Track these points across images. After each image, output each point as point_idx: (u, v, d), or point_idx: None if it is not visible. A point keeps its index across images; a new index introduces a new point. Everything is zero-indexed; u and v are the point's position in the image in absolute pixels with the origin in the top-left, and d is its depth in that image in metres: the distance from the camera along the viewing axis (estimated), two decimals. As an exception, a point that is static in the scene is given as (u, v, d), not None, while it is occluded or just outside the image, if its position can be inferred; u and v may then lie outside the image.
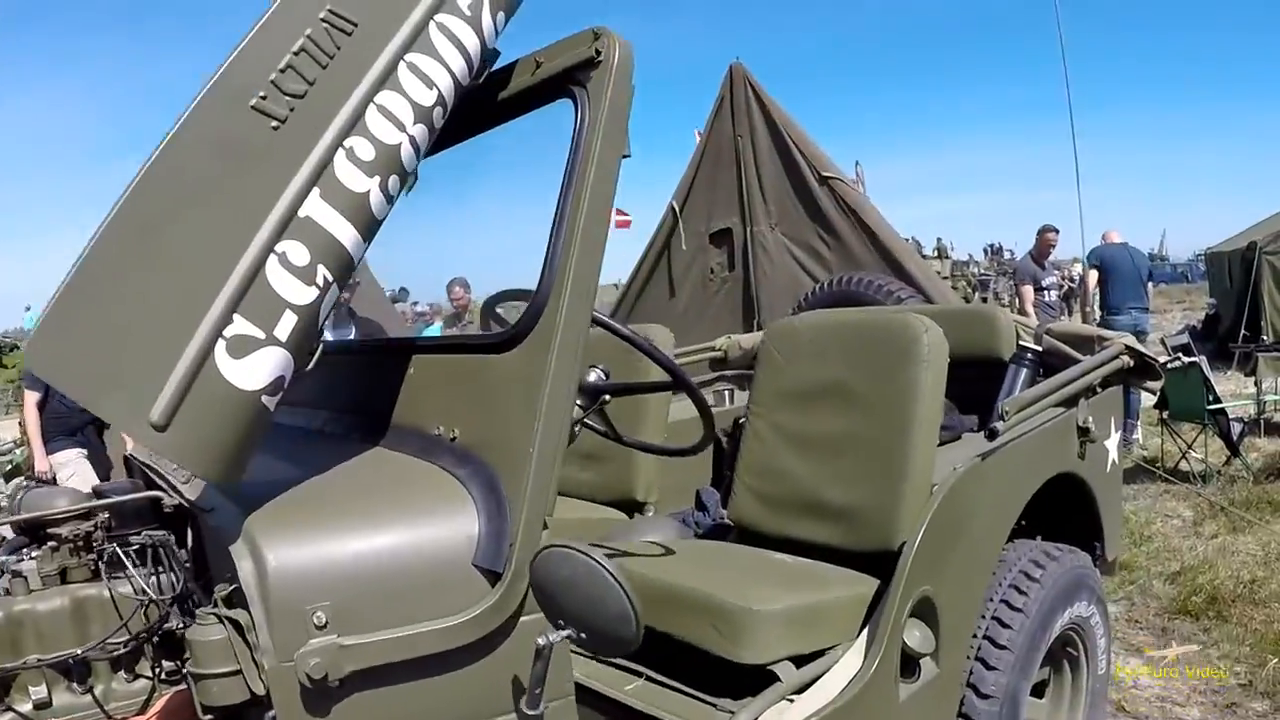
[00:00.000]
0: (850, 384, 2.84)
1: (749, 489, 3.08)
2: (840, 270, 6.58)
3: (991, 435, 2.60)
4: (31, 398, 6.36)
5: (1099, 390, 3.43)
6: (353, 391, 2.52)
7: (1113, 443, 3.51)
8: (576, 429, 2.30)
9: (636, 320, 7.63)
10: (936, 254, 24.45)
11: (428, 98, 1.85)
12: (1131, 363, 3.58)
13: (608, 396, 2.40)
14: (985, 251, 31.86)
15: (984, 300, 24.65)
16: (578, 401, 2.21)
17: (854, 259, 6.49)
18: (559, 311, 1.84)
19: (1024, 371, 3.83)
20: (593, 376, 2.43)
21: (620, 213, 15.53)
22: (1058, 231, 9.74)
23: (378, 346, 3.00)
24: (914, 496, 2.59)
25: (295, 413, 2.54)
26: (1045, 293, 9.56)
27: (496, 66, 2.12)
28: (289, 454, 2.19)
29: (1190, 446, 8.00)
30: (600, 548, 2.46)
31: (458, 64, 1.91)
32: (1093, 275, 9.68)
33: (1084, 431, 3.19)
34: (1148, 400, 8.74)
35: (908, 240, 26.61)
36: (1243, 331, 14.29)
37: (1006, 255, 29.50)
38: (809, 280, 6.65)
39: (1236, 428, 7.82)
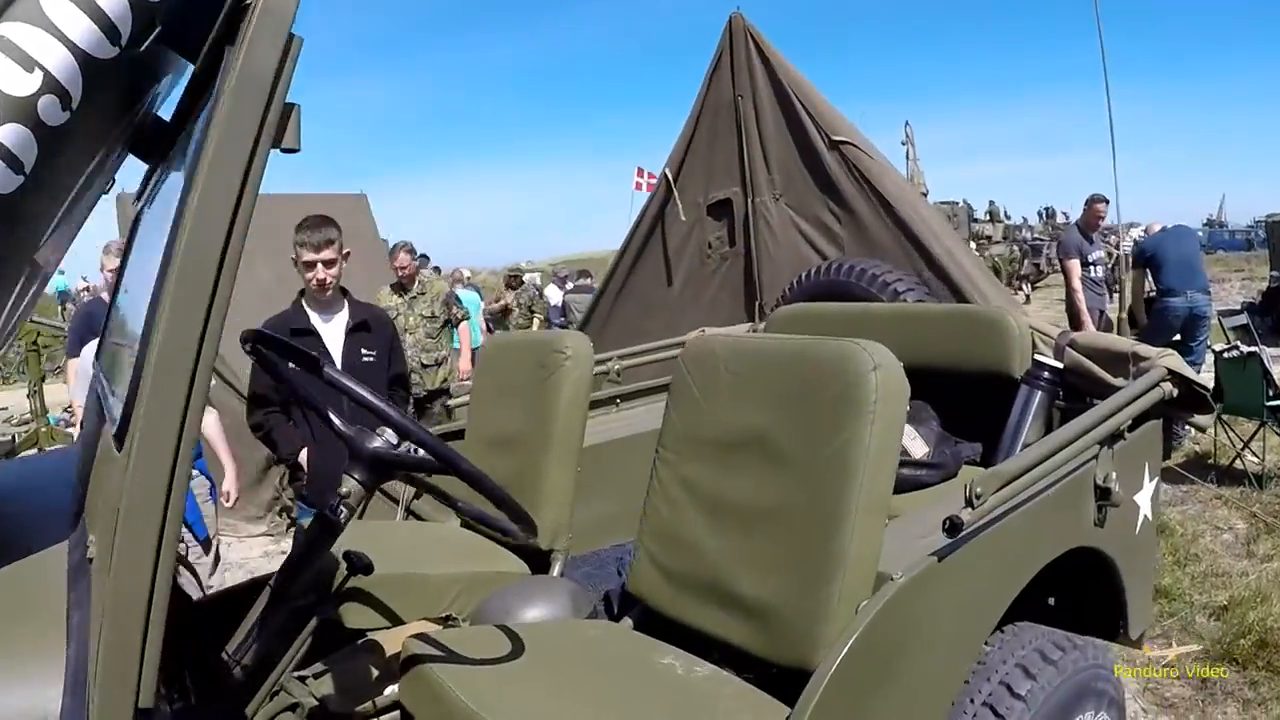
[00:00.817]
0: (774, 437, 2.16)
1: (650, 558, 2.45)
2: (853, 248, 5.84)
3: (953, 530, 1.88)
4: (74, 364, 5.77)
5: (1127, 434, 2.70)
6: None
7: (1146, 496, 2.77)
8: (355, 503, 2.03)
9: (626, 303, 6.96)
10: (989, 217, 23.59)
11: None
12: (1176, 392, 2.83)
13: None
14: (1040, 215, 30.82)
15: (1036, 267, 23.71)
16: (355, 475, 2.01)
17: (868, 235, 5.71)
18: (143, 395, 1.24)
19: (1038, 395, 3.12)
20: (378, 443, 2.04)
21: (645, 174, 14.73)
22: (1107, 202, 8.89)
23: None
24: (845, 600, 1.92)
25: None
26: (1092, 268, 8.72)
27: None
28: None
29: (1246, 444, 7.16)
30: (424, 644, 2.08)
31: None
32: (1132, 276, 8.85)
33: (1103, 493, 2.47)
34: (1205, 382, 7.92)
35: (957, 204, 25.91)
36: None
37: (1060, 219, 28.54)
38: (817, 258, 5.91)
39: (1301, 425, 6.98)
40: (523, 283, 13.90)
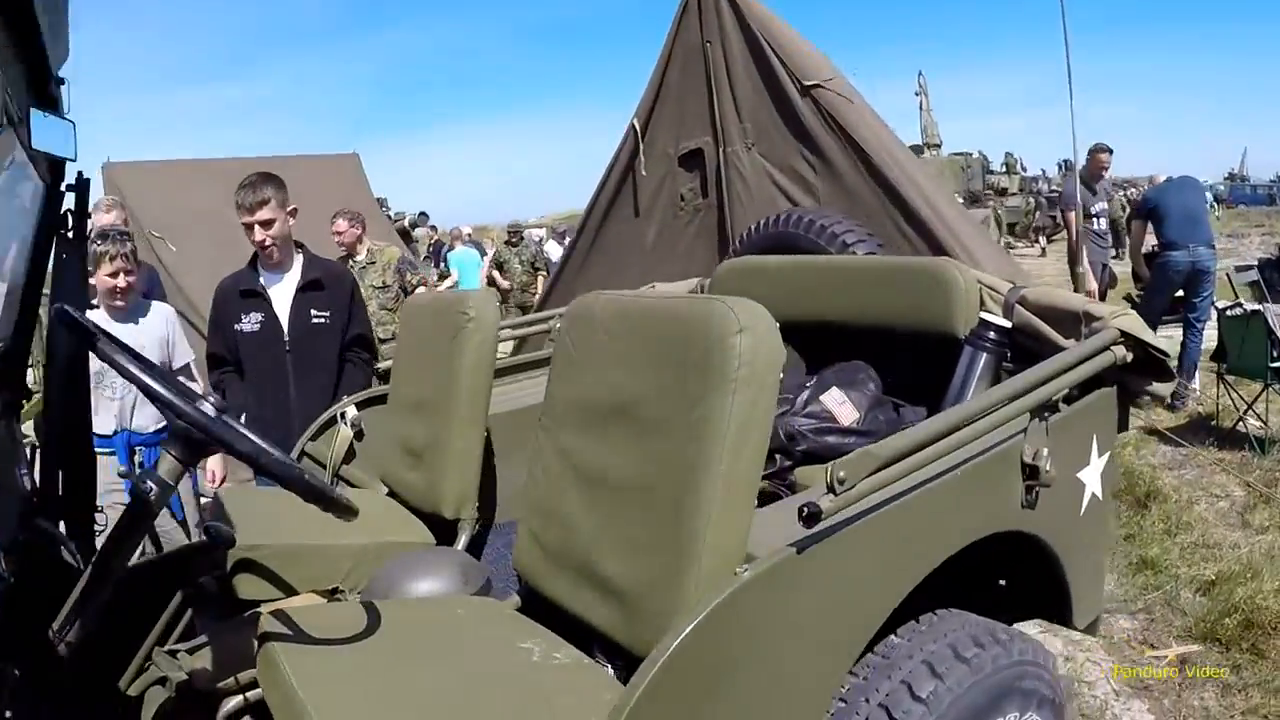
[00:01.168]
0: (641, 406, 1.92)
1: (530, 533, 2.24)
2: (829, 198, 5.52)
3: (810, 520, 1.60)
4: None
5: (1066, 405, 2.37)
6: None
7: (1095, 472, 2.46)
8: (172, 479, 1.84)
9: (599, 257, 6.67)
10: (1005, 169, 23.15)
11: None
12: (1129, 356, 2.52)
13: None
14: (1059, 167, 30.12)
15: (1052, 219, 23.21)
16: (171, 451, 1.82)
17: (843, 185, 5.37)
18: None
19: (983, 357, 2.82)
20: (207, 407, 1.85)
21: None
22: (1111, 152, 8.54)
23: None
24: (703, 587, 1.68)
25: None
26: (1095, 220, 8.39)
27: None
28: None
29: (1250, 407, 6.81)
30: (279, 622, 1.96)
31: None
32: (1133, 228, 8.47)
33: (1031, 471, 2.16)
34: (1209, 340, 7.58)
35: (971, 155, 25.38)
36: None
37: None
38: (790, 208, 5.60)
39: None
40: (523, 238, 13.57)
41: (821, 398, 2.82)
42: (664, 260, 6.28)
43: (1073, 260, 8.30)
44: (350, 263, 6.70)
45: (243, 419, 4.19)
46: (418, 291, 6.71)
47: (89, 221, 2.77)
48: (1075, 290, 8.34)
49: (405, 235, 15.18)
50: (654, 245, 6.38)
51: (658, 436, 1.86)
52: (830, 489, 1.61)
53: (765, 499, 2.55)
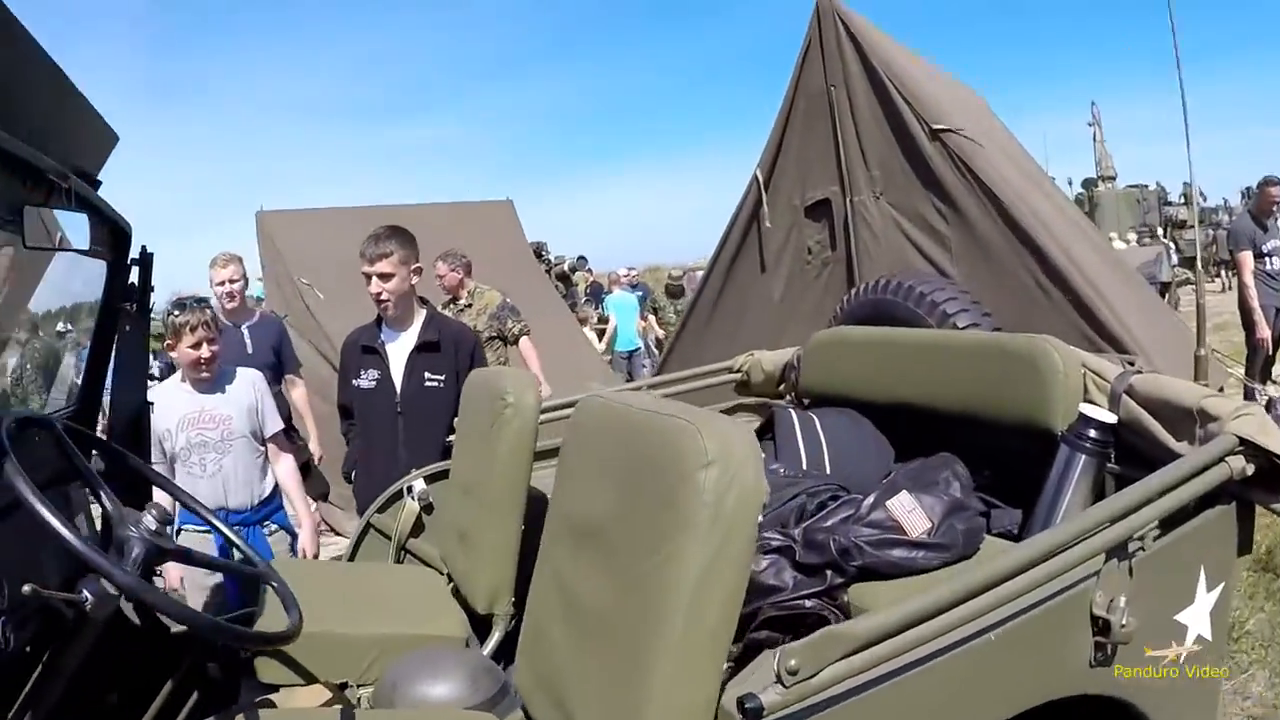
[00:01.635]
0: (615, 531, 1.71)
1: (524, 649, 2.11)
2: (961, 250, 5.12)
3: (751, 716, 1.30)
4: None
5: (1163, 528, 1.95)
6: None
7: (1202, 611, 2.02)
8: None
9: (724, 311, 6.42)
10: (1183, 200, 21.61)
11: None
12: (1249, 469, 2.08)
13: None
14: (1242, 196, 27.70)
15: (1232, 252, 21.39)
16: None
17: (975, 235, 4.99)
18: None
19: (1081, 459, 2.42)
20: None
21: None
22: (1286, 185, 7.66)
23: None
24: None
25: None
26: (1267, 260, 7.55)
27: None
28: None
29: None
30: None
31: None
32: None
33: (1101, 625, 1.78)
34: None
35: (1147, 187, 23.80)
36: None
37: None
38: (921, 262, 5.22)
39: None
40: (683, 290, 13.25)
41: (888, 503, 2.47)
42: (791, 316, 6.01)
43: (1243, 304, 7.52)
44: (451, 306, 6.56)
45: (352, 475, 4.17)
46: (523, 340, 6.65)
47: (162, 292, 2.80)
48: (1249, 336, 7.54)
49: (565, 279, 15.30)
50: (781, 300, 6.12)
51: (627, 570, 1.64)
52: (779, 679, 1.32)
53: (813, 622, 2.24)
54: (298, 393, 5.85)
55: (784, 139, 5.84)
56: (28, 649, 1.81)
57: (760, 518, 1.56)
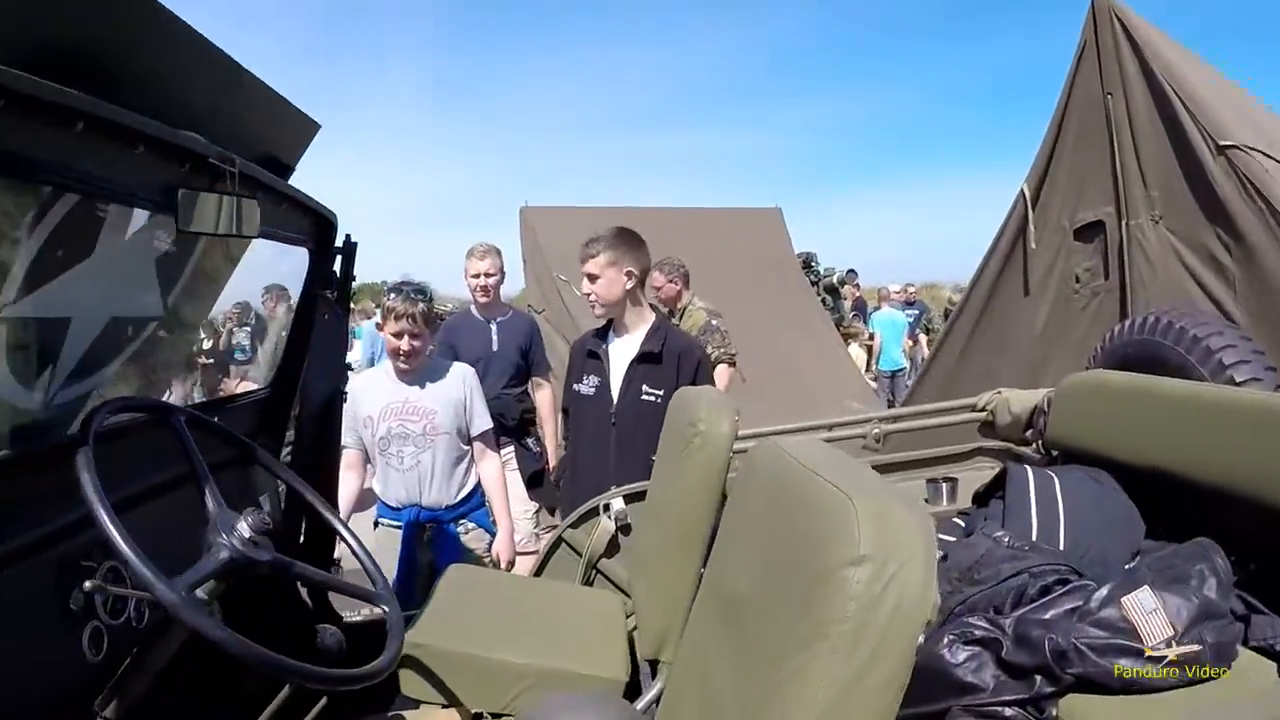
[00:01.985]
0: (752, 615, 1.48)
1: (667, 702, 1.95)
2: (1246, 285, 4.47)
3: None
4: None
5: None
6: None
7: None
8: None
9: (982, 340, 5.96)
10: None
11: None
12: None
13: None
14: None
15: None
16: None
17: (1262, 269, 4.31)
18: None
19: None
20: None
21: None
22: None
23: None
24: None
25: None
26: None
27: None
28: None
29: None
30: None
31: None
32: None
33: None
34: None
35: None
36: None
37: None
38: (1202, 300, 4.59)
39: None
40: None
41: (1124, 600, 2.05)
42: (1054, 349, 5.54)
43: None
44: (671, 318, 6.19)
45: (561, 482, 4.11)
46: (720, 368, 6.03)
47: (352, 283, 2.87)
48: None
49: (833, 292, 14.91)
50: (1043, 331, 5.63)
51: (754, 673, 1.39)
52: None
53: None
54: (543, 396, 5.47)
55: (1054, 151, 5.32)
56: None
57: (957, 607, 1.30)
